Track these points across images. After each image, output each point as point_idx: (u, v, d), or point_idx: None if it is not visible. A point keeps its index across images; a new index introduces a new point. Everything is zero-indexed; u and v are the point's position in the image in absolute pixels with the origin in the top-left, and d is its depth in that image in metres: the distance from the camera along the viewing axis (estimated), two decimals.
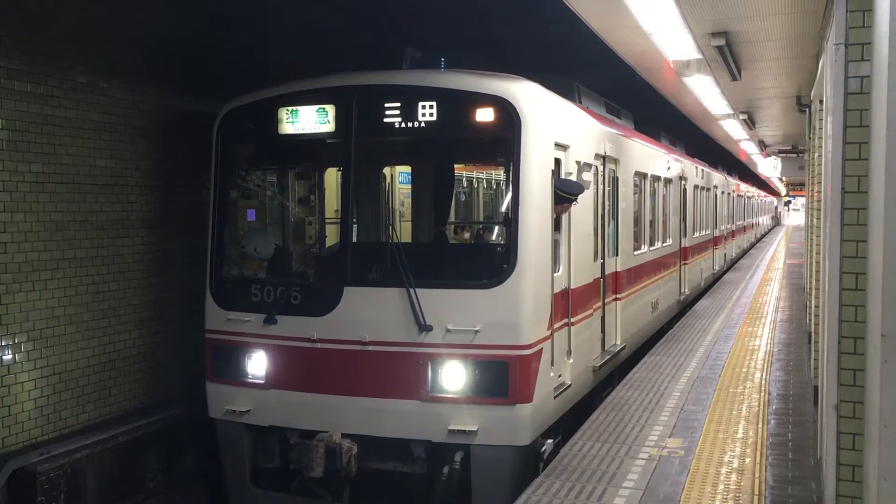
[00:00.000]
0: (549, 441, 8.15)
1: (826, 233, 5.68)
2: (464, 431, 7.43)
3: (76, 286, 8.74)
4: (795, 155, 26.05)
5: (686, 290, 17.85)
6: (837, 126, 4.82)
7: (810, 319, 11.07)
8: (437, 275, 7.88)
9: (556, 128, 8.51)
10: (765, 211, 61.80)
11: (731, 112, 16.42)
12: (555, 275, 8.38)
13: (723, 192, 26.22)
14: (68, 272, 8.64)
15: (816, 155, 9.67)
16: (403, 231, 11.49)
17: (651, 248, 13.97)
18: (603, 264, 10.55)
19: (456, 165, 12.15)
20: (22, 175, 8.09)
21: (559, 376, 8.49)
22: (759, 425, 8.48)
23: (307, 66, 9.16)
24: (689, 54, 10.14)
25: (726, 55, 9.87)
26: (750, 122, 18.44)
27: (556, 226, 8.55)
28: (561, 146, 8.63)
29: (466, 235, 13.22)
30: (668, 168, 15.76)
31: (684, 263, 17.73)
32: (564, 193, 8.34)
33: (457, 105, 7.81)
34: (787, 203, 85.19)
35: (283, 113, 8.32)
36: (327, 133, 8.26)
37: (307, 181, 10.41)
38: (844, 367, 4.75)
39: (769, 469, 7.15)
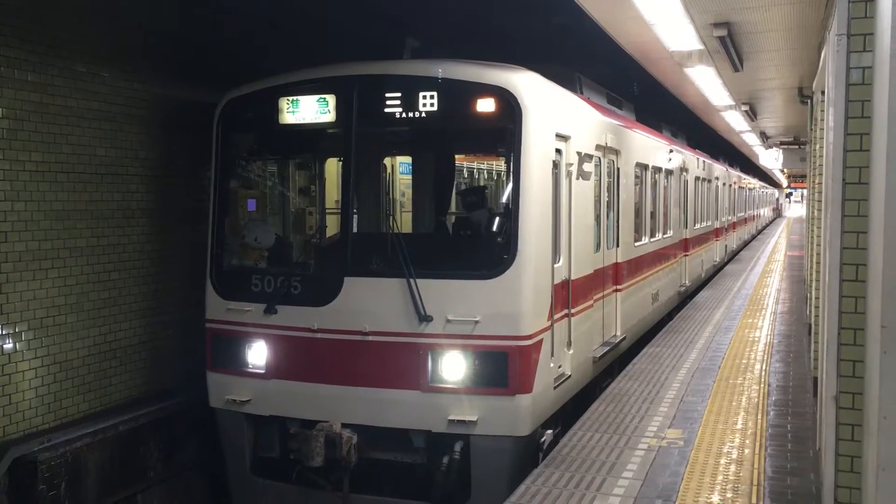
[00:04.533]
0: (549, 431, 8.16)
1: (827, 224, 5.67)
2: (463, 422, 7.44)
3: (76, 275, 8.74)
4: (797, 146, 26.01)
5: (687, 282, 17.85)
6: (839, 117, 4.80)
7: (810, 311, 11.08)
8: (437, 265, 7.87)
9: (556, 118, 8.49)
10: (766, 203, 61.74)
11: (733, 103, 16.40)
12: (555, 265, 8.38)
13: (724, 184, 26.19)
14: (69, 261, 8.64)
15: (818, 146, 9.66)
16: (404, 221, 11.49)
17: (652, 240, 13.96)
18: (603, 255, 10.54)
19: (457, 156, 12.15)
20: (22, 164, 8.08)
21: (559, 367, 8.50)
22: (759, 416, 8.49)
23: (308, 56, 9.14)
24: (691, 45, 10.12)
25: (728, 46, 9.84)
26: (751, 114, 18.41)
27: (557, 216, 8.56)
28: (562, 137, 8.62)
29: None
30: (670, 159, 15.74)
31: (685, 255, 17.73)
32: None
33: (457, 95, 7.79)
34: (789, 195, 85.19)
35: (284, 103, 8.31)
36: (328, 123, 8.25)
37: (308, 171, 10.41)
38: (844, 359, 4.75)
39: (768, 460, 7.17)
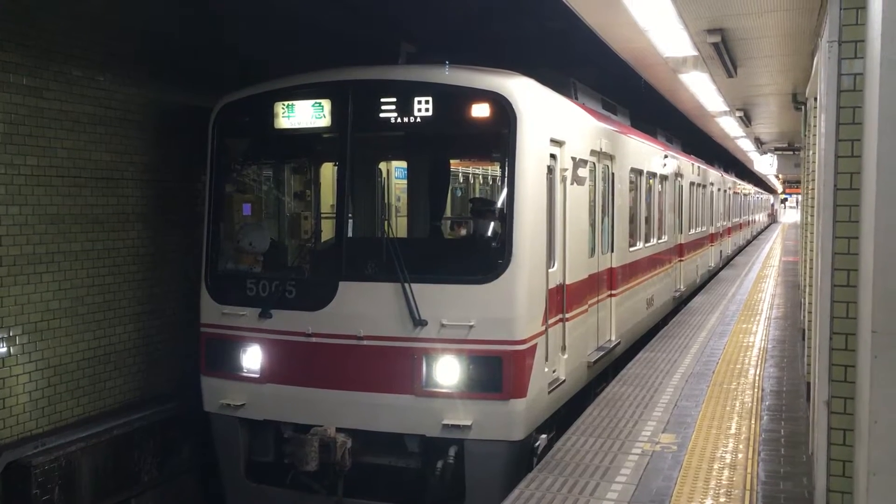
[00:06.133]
0: (543, 436, 8.17)
1: (819, 229, 5.70)
2: (458, 426, 7.45)
3: (71, 279, 8.74)
4: (791, 152, 26.08)
5: (681, 287, 17.88)
6: (830, 123, 4.84)
7: (804, 316, 11.11)
8: (432, 270, 7.88)
9: (551, 124, 8.52)
10: (761, 208, 61.88)
11: (728, 109, 16.43)
12: (550, 270, 8.40)
13: (719, 189, 26.25)
14: (63, 265, 8.64)
15: (811, 152, 9.69)
16: (399, 226, 11.49)
17: (647, 245, 13.99)
18: (598, 260, 10.57)
19: (452, 161, 12.16)
20: (17, 168, 8.09)
21: (553, 371, 8.51)
22: (752, 421, 8.51)
23: (303, 61, 9.16)
24: (686, 51, 10.14)
25: (722, 52, 9.88)
26: (746, 120, 18.45)
27: (551, 221, 8.58)
28: (556, 142, 8.65)
29: (463, 231, 13.22)
30: (665, 165, 15.79)
31: (680, 260, 17.77)
32: None
33: (452, 100, 7.81)
34: (784, 200, 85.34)
35: (279, 107, 8.32)
36: (323, 128, 8.27)
37: (303, 176, 10.41)
38: (836, 363, 4.78)
39: (761, 464, 7.19)
